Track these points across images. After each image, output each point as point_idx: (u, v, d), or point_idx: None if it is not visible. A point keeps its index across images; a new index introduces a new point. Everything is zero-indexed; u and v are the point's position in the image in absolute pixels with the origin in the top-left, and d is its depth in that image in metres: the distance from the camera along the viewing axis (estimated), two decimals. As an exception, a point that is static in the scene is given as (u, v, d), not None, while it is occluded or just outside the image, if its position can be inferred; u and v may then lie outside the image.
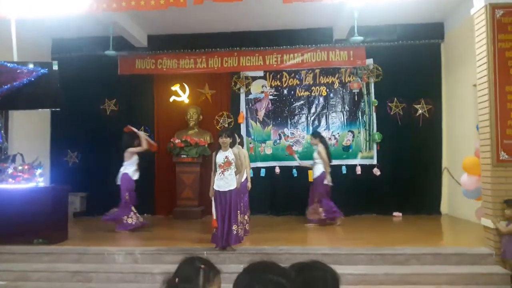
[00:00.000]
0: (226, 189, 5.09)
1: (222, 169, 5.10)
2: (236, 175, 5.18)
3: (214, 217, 5.16)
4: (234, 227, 5.03)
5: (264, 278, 1.36)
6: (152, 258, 5.08)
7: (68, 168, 8.60)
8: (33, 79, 5.05)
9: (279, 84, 8.56)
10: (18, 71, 5.00)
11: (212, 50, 8.51)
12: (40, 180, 5.75)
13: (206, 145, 8.07)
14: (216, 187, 5.15)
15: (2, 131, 5.04)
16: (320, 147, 6.99)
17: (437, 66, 8.30)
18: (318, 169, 6.95)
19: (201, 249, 5.16)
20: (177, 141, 8.06)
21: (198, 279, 1.74)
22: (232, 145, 5.31)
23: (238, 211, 5.23)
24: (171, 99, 8.67)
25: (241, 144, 6.72)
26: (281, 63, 8.45)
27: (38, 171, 5.76)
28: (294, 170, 8.32)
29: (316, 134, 7.35)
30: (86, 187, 8.39)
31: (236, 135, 5.74)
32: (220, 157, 5.14)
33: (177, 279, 1.77)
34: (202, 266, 1.77)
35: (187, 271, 1.78)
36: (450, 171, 7.97)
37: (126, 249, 5.21)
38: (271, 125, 8.52)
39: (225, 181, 5.09)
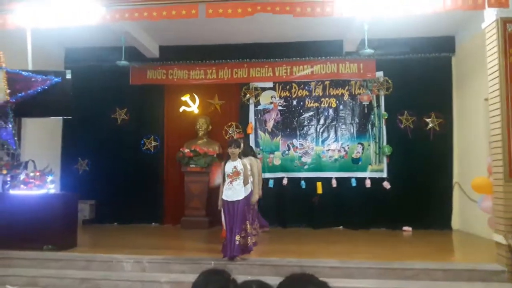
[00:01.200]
0: (234, 199, 5.09)
1: (231, 179, 5.12)
2: (245, 185, 5.19)
3: (224, 227, 5.16)
4: (237, 238, 5.00)
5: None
6: (160, 267, 5.07)
7: (78, 176, 8.68)
8: (46, 87, 5.14)
9: (288, 95, 8.59)
10: (32, 79, 5.10)
11: (223, 61, 8.60)
12: (51, 187, 5.82)
13: (215, 155, 8.10)
14: (224, 197, 5.16)
15: (16, 138, 5.11)
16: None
17: (448, 80, 8.26)
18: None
19: (208, 259, 5.15)
20: (186, 150, 8.10)
21: None
22: (243, 155, 5.33)
23: (247, 221, 5.22)
24: (181, 109, 8.75)
25: (254, 155, 6.72)
26: (290, 75, 8.49)
27: (49, 178, 5.83)
28: (302, 182, 8.30)
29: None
30: (95, 195, 8.45)
31: (247, 146, 5.78)
32: (228, 167, 5.16)
33: None
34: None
35: None
36: (462, 186, 7.87)
37: (134, 257, 5.21)
38: (279, 136, 8.53)
39: (233, 191, 5.10)
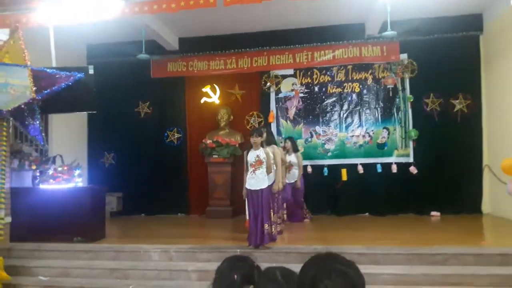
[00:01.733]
0: (258, 188, 5.09)
1: (254, 168, 5.10)
2: (268, 174, 5.17)
3: (247, 217, 5.16)
4: (266, 226, 5.01)
5: (330, 267, 1.35)
6: (187, 256, 5.13)
7: (104, 169, 8.87)
8: (70, 83, 5.21)
9: (309, 81, 8.46)
10: (57, 76, 5.17)
11: (242, 50, 8.54)
12: (78, 180, 5.96)
13: (237, 145, 8.10)
14: (248, 186, 5.16)
15: (43, 134, 5.23)
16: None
17: (476, 60, 7.94)
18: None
19: (234, 247, 5.18)
20: (208, 141, 8.14)
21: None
22: (266, 144, 5.32)
23: (271, 210, 5.20)
24: (202, 101, 8.78)
25: (275, 143, 6.68)
26: (311, 61, 8.35)
27: (77, 172, 5.97)
28: (325, 169, 8.21)
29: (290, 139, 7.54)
30: (122, 188, 8.60)
31: (270, 135, 5.77)
32: (251, 156, 5.15)
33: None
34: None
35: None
36: (492, 169, 7.60)
37: (161, 247, 5.29)
38: (302, 124, 8.44)
39: (256, 180, 5.09)
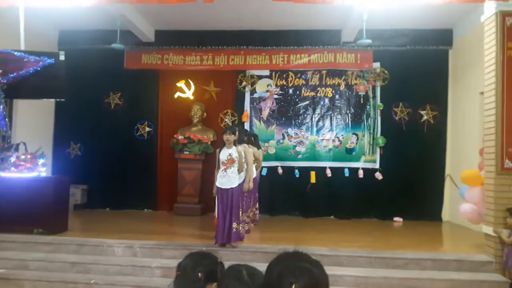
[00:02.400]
0: (228, 187, 5.08)
1: (225, 167, 5.10)
2: (239, 173, 5.18)
3: (216, 215, 5.16)
4: (234, 225, 5.02)
5: (296, 265, 1.36)
6: (152, 252, 5.07)
7: (70, 160, 8.61)
8: (39, 68, 5.05)
9: (284, 83, 8.53)
10: (25, 59, 5.01)
11: (219, 47, 8.50)
12: (42, 170, 5.76)
13: (209, 143, 8.06)
14: (218, 184, 5.15)
15: (7, 119, 5.03)
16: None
17: (444, 73, 8.26)
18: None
19: (200, 245, 5.16)
20: (180, 137, 8.05)
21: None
22: (238, 142, 5.31)
23: (240, 209, 5.21)
24: (176, 95, 8.68)
25: (255, 143, 6.68)
26: (287, 63, 8.42)
27: (41, 161, 5.77)
28: (296, 171, 8.30)
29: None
30: (87, 180, 8.39)
31: (243, 134, 5.77)
32: (223, 155, 5.14)
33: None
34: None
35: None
36: (453, 179, 7.92)
37: (126, 242, 5.20)
38: (274, 125, 8.50)
39: (227, 179, 5.09)
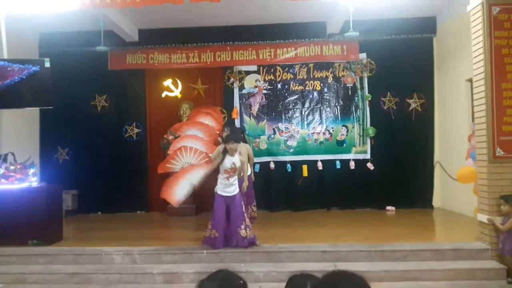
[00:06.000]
0: (231, 194, 5.09)
1: (228, 175, 5.07)
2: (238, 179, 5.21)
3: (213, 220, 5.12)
4: (242, 232, 5.00)
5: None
6: (151, 258, 5.03)
7: (58, 165, 8.44)
8: (24, 77, 4.89)
9: (272, 78, 8.51)
10: (9, 69, 4.85)
11: (205, 44, 8.39)
12: (33, 180, 5.64)
13: (200, 141, 7.98)
14: (221, 193, 5.11)
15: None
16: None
17: (429, 60, 8.33)
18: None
19: (200, 248, 5.13)
20: (170, 137, 7.96)
21: None
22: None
23: (245, 214, 5.21)
24: (163, 95, 8.57)
25: (244, 139, 6.66)
26: (274, 58, 8.38)
27: (31, 171, 5.64)
28: (289, 165, 8.32)
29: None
30: (77, 185, 8.25)
31: (238, 133, 5.78)
32: (227, 163, 5.09)
33: None
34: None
35: None
36: (442, 165, 8.07)
37: (124, 249, 5.14)
38: (265, 120, 8.48)
39: (230, 187, 5.09)
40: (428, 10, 7.87)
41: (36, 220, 5.38)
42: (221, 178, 5.11)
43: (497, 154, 4.87)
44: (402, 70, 8.21)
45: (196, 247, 5.19)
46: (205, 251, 4.96)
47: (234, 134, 5.46)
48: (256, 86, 8.51)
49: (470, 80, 5.92)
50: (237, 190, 5.13)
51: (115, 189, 8.33)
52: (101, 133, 8.44)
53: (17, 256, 5.10)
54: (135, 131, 8.59)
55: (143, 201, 8.48)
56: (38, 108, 7.69)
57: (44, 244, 5.36)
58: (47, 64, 5.18)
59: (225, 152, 5.14)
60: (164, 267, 4.84)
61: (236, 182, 5.15)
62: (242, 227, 5.00)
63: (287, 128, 8.45)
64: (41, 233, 5.43)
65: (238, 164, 5.10)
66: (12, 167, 5.54)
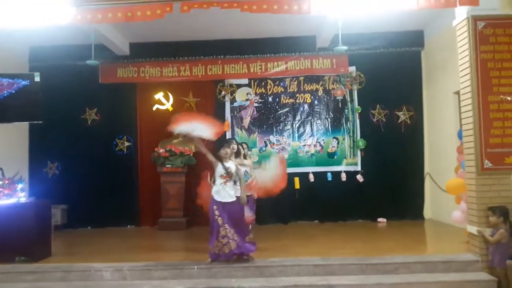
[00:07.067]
0: (229, 200, 5.04)
1: (224, 180, 5.04)
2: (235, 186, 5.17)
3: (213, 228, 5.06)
4: (246, 238, 5.02)
5: None
6: (141, 274, 4.94)
7: (48, 180, 8.35)
8: (13, 91, 4.87)
9: (263, 91, 8.57)
10: (-2, 83, 4.82)
11: (196, 58, 8.45)
12: (21, 195, 5.56)
13: (192, 154, 7.97)
14: (218, 198, 5.07)
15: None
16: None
17: (418, 73, 8.47)
18: None
19: (190, 263, 5.06)
20: (161, 150, 7.94)
21: None
22: (236, 156, 5.49)
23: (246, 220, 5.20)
24: (154, 108, 8.56)
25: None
26: (265, 71, 8.45)
27: (19, 186, 5.57)
28: (280, 178, 8.31)
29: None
30: (66, 199, 8.15)
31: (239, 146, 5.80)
32: (221, 168, 5.07)
33: None
34: None
35: None
36: (432, 176, 8.13)
37: (114, 265, 5.06)
38: (256, 133, 8.52)
39: (227, 193, 5.03)
40: (415, 24, 8.02)
41: (24, 236, 5.28)
42: (218, 184, 5.05)
43: (485, 166, 4.93)
44: (391, 83, 8.32)
45: (187, 262, 5.13)
46: (195, 267, 4.91)
47: (228, 140, 5.48)
48: (247, 99, 8.56)
49: (458, 93, 6.02)
50: (235, 197, 5.07)
51: (105, 203, 8.24)
52: (92, 146, 8.37)
53: (3, 273, 4.98)
54: (125, 145, 8.55)
55: (134, 215, 8.40)
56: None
57: (31, 261, 5.26)
58: (37, 78, 5.17)
59: (219, 158, 5.12)
60: (155, 283, 4.78)
61: (233, 187, 5.08)
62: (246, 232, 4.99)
63: (279, 140, 8.49)
64: (29, 250, 5.32)
65: (234, 169, 5.08)
66: (0, 183, 5.46)
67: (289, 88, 8.55)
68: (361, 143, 8.34)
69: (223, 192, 5.03)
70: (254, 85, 8.56)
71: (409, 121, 8.38)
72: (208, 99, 8.60)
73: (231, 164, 5.12)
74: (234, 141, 5.25)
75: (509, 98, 4.98)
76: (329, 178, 8.34)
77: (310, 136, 8.49)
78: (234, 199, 5.08)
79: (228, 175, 5.03)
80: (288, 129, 8.53)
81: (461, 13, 5.20)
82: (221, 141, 5.78)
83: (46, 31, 6.84)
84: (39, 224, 5.52)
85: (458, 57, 5.31)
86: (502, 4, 5.08)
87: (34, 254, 5.34)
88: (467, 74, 5.11)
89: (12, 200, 5.47)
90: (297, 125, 8.54)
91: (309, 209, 8.32)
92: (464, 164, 5.32)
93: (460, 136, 6.37)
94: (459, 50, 5.31)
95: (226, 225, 4.94)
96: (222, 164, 5.08)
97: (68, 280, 4.94)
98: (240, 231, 5.00)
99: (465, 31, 5.14)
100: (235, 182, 5.13)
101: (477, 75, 5.03)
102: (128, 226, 8.38)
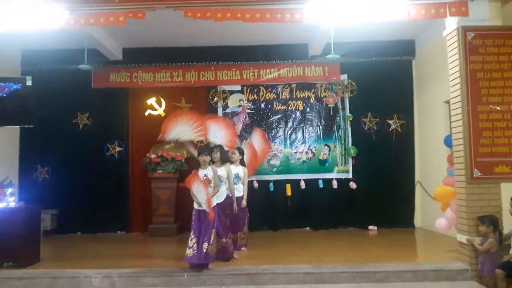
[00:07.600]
0: (203, 208, 5.01)
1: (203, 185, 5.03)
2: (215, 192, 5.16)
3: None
4: (204, 245, 4.91)
5: None
6: (131, 281, 4.91)
7: (38, 184, 8.25)
8: (5, 95, 4.83)
9: (256, 98, 8.60)
10: (-11, 87, 4.78)
11: (189, 64, 8.46)
12: (11, 200, 5.49)
13: (183, 160, 7.96)
14: (195, 206, 5.07)
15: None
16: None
17: (409, 82, 8.56)
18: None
19: (180, 270, 5.04)
20: (153, 156, 7.91)
21: None
22: (222, 162, 5.53)
23: (213, 230, 5.06)
24: (146, 113, 8.54)
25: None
26: (258, 78, 8.49)
27: (9, 190, 5.50)
28: (271, 184, 8.34)
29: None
30: (56, 204, 8.06)
31: (227, 153, 5.78)
32: (200, 175, 5.08)
33: None
34: None
35: None
36: (423, 185, 8.20)
37: (103, 272, 5.01)
38: (248, 139, 8.50)
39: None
40: (407, 33, 8.12)
41: (12, 241, 5.21)
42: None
43: (474, 176, 4.99)
44: (382, 91, 8.39)
45: (177, 269, 5.10)
46: (186, 274, 4.88)
47: (207, 147, 5.46)
48: (239, 106, 8.58)
49: (448, 102, 6.09)
50: (213, 204, 5.06)
51: (96, 208, 8.16)
52: (83, 151, 8.30)
53: (-10, 279, 4.93)
54: (117, 150, 8.50)
55: (124, 221, 8.34)
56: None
57: (19, 267, 5.20)
58: (29, 82, 5.14)
59: (197, 165, 5.15)
60: (145, 290, 4.74)
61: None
62: (206, 242, 4.89)
63: (270, 147, 8.49)
64: (17, 255, 5.26)
65: (210, 175, 5.10)
66: (-12, 187, 5.40)
67: (282, 95, 8.59)
68: (353, 151, 8.39)
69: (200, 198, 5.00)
70: (246, 91, 8.59)
71: (400, 130, 8.46)
72: (200, 105, 8.58)
73: (207, 171, 5.12)
74: (206, 152, 5.18)
75: (498, 108, 5.06)
76: (321, 186, 8.37)
77: (302, 143, 8.53)
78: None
79: (205, 181, 5.04)
80: (280, 136, 8.56)
81: (451, 23, 5.30)
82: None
83: (39, 35, 6.80)
84: (28, 229, 5.45)
85: (448, 67, 5.39)
86: (491, 15, 5.18)
87: (23, 260, 5.28)
88: (457, 84, 5.19)
89: (1, 205, 5.41)
90: (289, 132, 8.57)
91: (301, 216, 8.33)
92: (454, 173, 5.38)
93: (446, 142, 6.48)
94: (449, 60, 5.39)
95: (192, 231, 4.99)
96: (200, 171, 5.11)
97: (57, 287, 4.88)
98: (205, 240, 4.90)
99: (455, 41, 5.23)
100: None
101: (466, 85, 5.10)
102: (119, 231, 8.32)
